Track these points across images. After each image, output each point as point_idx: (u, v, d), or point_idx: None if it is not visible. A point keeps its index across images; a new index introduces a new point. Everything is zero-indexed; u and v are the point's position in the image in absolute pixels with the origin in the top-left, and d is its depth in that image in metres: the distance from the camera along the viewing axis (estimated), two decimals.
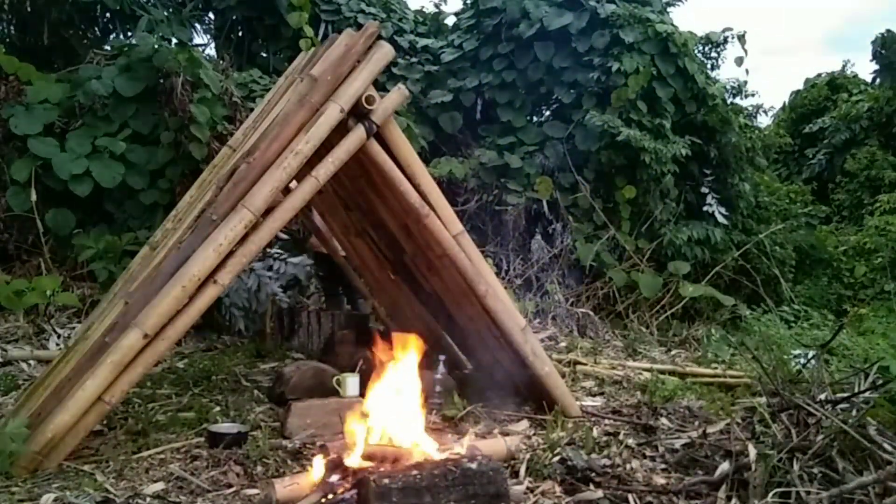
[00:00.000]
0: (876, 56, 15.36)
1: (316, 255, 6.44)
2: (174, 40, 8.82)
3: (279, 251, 6.34)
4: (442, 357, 4.52)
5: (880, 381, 3.83)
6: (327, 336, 5.81)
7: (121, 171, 6.98)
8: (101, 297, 5.33)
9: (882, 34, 15.08)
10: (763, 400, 4.08)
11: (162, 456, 3.45)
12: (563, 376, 4.79)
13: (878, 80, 15.82)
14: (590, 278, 8.65)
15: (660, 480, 3.23)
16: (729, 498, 2.93)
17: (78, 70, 7.56)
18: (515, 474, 3.24)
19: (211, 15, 10.41)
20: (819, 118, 15.74)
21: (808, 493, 2.78)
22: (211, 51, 10.22)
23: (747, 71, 14.03)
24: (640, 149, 8.41)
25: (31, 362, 5.30)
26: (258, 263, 6.27)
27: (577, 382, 5.26)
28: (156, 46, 7.18)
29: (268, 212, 3.46)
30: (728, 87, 10.75)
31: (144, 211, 7.15)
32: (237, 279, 5.82)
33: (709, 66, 10.49)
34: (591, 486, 3.12)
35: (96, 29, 9.44)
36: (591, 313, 7.83)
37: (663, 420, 4.20)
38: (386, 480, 2.56)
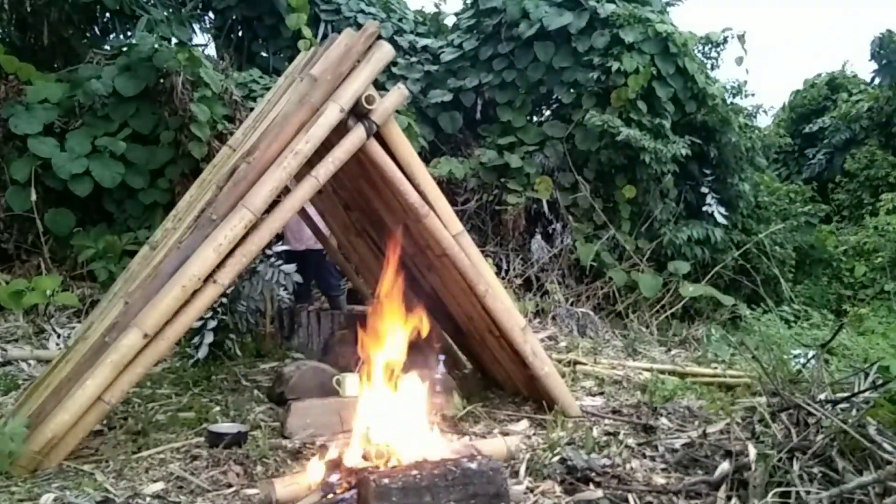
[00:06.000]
0: (874, 56, 15.37)
1: (286, 253, 6.31)
2: (174, 40, 8.83)
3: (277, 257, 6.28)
4: (442, 357, 4.51)
5: (880, 381, 3.81)
6: (327, 336, 5.80)
7: (121, 171, 6.99)
8: (101, 297, 5.33)
9: (880, 34, 15.09)
10: (763, 400, 4.07)
11: (162, 456, 3.45)
12: (563, 376, 4.79)
13: (876, 80, 15.83)
14: (590, 278, 8.66)
15: (660, 480, 3.22)
16: (729, 498, 2.92)
17: (78, 70, 7.57)
18: (515, 474, 3.24)
19: (211, 15, 10.41)
20: (819, 118, 15.74)
21: (808, 492, 2.77)
22: (211, 51, 10.23)
23: (747, 71, 14.10)
24: (640, 149, 8.42)
25: (31, 362, 5.31)
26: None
27: (577, 382, 5.26)
28: (156, 46, 7.19)
29: (267, 211, 3.46)
30: (728, 87, 10.75)
31: (144, 210, 7.16)
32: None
33: (709, 66, 10.49)
34: (591, 486, 3.11)
35: (96, 29, 9.43)
36: (591, 313, 7.83)
37: (663, 420, 4.20)
38: (386, 480, 2.55)
